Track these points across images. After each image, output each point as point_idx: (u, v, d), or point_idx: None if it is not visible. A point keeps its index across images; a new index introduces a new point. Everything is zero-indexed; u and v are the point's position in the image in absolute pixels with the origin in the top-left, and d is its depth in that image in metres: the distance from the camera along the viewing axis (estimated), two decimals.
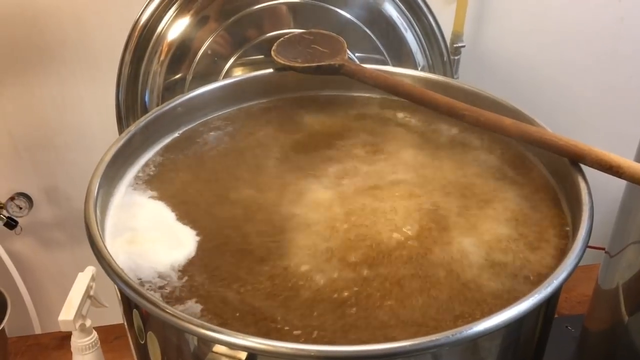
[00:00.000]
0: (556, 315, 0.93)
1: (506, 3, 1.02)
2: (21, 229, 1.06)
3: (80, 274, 0.68)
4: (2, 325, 0.77)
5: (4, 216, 1.02)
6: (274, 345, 0.37)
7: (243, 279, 0.45)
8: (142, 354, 0.48)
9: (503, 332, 0.41)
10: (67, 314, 0.64)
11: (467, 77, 1.02)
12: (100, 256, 0.43)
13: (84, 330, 0.67)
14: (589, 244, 0.87)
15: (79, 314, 0.65)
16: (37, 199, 1.08)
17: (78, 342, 0.67)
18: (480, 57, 1.07)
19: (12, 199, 1.04)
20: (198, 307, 0.43)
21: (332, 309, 0.42)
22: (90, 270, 0.68)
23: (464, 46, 1.01)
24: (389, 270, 0.45)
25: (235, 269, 0.45)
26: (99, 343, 0.69)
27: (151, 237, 0.48)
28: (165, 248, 0.47)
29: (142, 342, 0.46)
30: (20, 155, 1.07)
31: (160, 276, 0.45)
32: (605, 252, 0.75)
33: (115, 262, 0.42)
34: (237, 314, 0.42)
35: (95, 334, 0.68)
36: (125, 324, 0.49)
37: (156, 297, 0.40)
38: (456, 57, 1.02)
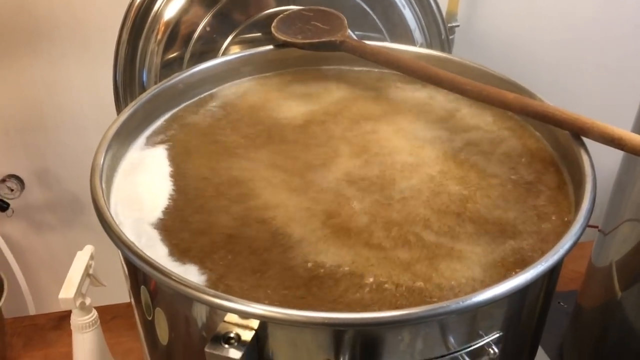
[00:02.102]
0: None
1: None
2: (12, 211, 1.05)
3: (79, 252, 0.67)
4: None
5: None
6: (286, 313, 0.37)
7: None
8: (148, 331, 0.48)
9: (506, 302, 0.41)
10: (67, 292, 0.63)
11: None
12: (109, 228, 0.42)
13: (83, 308, 0.67)
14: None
15: (79, 292, 0.65)
16: (28, 181, 1.07)
17: (78, 320, 0.67)
18: (474, 37, 1.07)
19: (3, 180, 1.03)
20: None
21: None
22: (89, 249, 0.68)
23: (458, 26, 1.01)
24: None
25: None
26: (99, 321, 0.69)
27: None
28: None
29: (150, 319, 0.46)
30: (10, 137, 1.05)
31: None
32: (599, 231, 0.76)
33: (124, 234, 0.42)
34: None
35: (95, 312, 0.68)
36: (132, 300, 0.49)
37: (167, 268, 0.40)
38: (450, 37, 1.02)
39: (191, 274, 0.43)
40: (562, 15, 1.07)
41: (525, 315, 0.45)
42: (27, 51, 0.97)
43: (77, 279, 0.65)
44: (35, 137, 1.06)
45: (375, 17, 0.76)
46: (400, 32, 0.77)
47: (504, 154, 0.54)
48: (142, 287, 0.45)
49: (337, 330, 0.38)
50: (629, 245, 0.68)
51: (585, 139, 0.50)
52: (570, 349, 0.82)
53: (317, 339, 0.39)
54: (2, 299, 0.77)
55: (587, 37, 1.09)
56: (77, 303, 0.65)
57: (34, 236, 1.14)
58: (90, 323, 0.68)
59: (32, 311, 1.02)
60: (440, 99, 0.61)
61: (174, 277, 0.39)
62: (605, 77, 1.13)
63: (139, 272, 0.45)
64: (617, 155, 0.58)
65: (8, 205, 1.03)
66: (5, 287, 0.78)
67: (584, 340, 0.79)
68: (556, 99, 1.01)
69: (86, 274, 0.66)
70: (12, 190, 1.03)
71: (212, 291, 0.38)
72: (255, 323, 0.38)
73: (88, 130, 1.06)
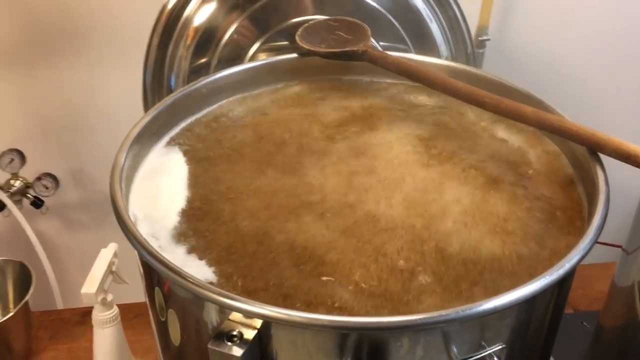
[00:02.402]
0: (572, 311, 0.93)
1: None
2: (47, 208, 1.08)
3: (103, 250, 0.69)
4: (27, 298, 0.79)
5: (31, 195, 1.05)
6: (288, 314, 0.38)
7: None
8: (162, 331, 0.50)
9: (508, 313, 0.41)
10: (89, 287, 0.65)
11: (492, 71, 1.02)
12: (124, 225, 0.44)
13: (105, 304, 0.68)
14: (608, 242, 0.87)
15: (101, 288, 0.66)
16: (63, 180, 1.10)
17: (99, 315, 0.69)
18: (506, 51, 1.07)
19: (39, 179, 1.06)
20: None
21: None
22: (112, 247, 0.70)
23: (488, 39, 1.01)
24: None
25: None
26: (120, 318, 0.71)
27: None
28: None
29: (163, 320, 0.48)
30: (48, 137, 1.09)
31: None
32: (623, 250, 0.75)
33: (138, 231, 0.43)
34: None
35: (116, 308, 0.70)
36: (147, 301, 0.50)
37: (175, 264, 0.41)
38: (481, 50, 1.02)
39: (204, 274, 0.44)
40: (596, 30, 1.05)
41: (531, 328, 0.45)
42: (66, 54, 1.01)
43: (100, 275, 0.66)
44: (71, 138, 1.09)
45: (401, 30, 0.77)
46: (427, 46, 0.78)
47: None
48: (157, 288, 0.47)
49: (339, 334, 0.39)
50: None
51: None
52: None
53: (319, 342, 0.39)
54: (30, 292, 0.79)
55: (623, 53, 1.08)
56: (99, 298, 0.66)
57: (66, 233, 1.17)
58: (111, 319, 0.70)
59: (59, 306, 1.05)
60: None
61: (182, 274, 0.40)
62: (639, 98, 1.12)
63: (153, 273, 0.46)
64: None
65: (43, 202, 1.06)
66: (34, 281, 0.81)
67: None
68: (587, 116, 1.00)
69: (109, 271, 0.68)
70: (47, 188, 1.07)
71: (217, 289, 0.39)
72: (258, 322, 0.39)
73: (122, 133, 1.08)
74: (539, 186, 0.52)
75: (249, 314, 0.39)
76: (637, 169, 0.49)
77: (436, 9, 0.79)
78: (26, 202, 1.05)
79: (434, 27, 0.79)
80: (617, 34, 1.06)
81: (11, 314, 0.77)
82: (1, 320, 0.77)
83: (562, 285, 0.46)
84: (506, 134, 0.59)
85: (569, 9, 1.03)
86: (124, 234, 0.44)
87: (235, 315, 0.40)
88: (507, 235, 0.47)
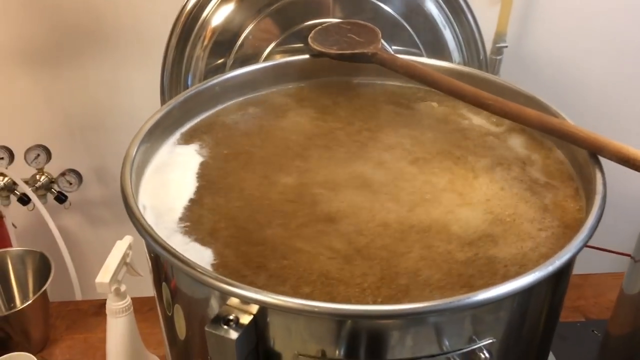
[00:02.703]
0: (584, 319, 0.93)
1: (553, 6, 1.02)
2: (70, 203, 1.11)
3: (118, 242, 0.72)
4: (45, 287, 0.81)
5: (55, 190, 1.08)
6: (282, 300, 0.39)
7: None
8: (169, 325, 0.52)
9: (503, 306, 0.42)
10: (103, 276, 0.67)
11: (509, 78, 1.03)
12: (131, 213, 0.46)
13: (118, 294, 0.71)
14: (619, 251, 0.86)
15: (115, 279, 0.69)
16: (87, 177, 1.13)
17: (113, 305, 0.71)
18: (524, 58, 1.07)
19: (63, 174, 1.09)
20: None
21: None
22: (127, 239, 0.72)
23: (506, 46, 1.01)
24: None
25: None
26: (132, 308, 0.73)
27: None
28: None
29: (170, 315, 0.50)
30: (74, 135, 1.12)
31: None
32: (631, 258, 0.75)
33: (145, 218, 0.45)
34: None
35: (129, 299, 0.72)
36: (156, 297, 0.52)
37: (176, 250, 0.42)
38: (498, 57, 1.02)
39: (205, 261, 0.46)
40: (615, 40, 1.05)
41: (525, 325, 0.46)
42: (93, 55, 1.04)
43: (114, 266, 0.68)
44: (95, 136, 1.13)
45: (415, 36, 0.78)
46: (440, 51, 0.79)
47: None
48: (164, 284, 0.48)
49: (331, 321, 0.40)
50: None
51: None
52: None
53: (311, 328, 0.41)
54: (49, 280, 0.82)
55: None
56: (112, 288, 0.68)
57: (88, 229, 1.21)
58: (124, 308, 0.72)
59: (78, 298, 1.08)
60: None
61: (182, 259, 0.42)
62: None
63: (160, 267, 0.48)
64: None
65: (66, 197, 1.09)
66: (52, 270, 0.83)
67: None
68: (605, 125, 1.00)
69: (123, 262, 0.70)
70: (70, 183, 1.10)
71: (215, 274, 0.41)
72: (254, 308, 0.41)
73: None
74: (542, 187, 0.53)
75: (245, 299, 0.40)
76: None
77: (450, 16, 0.81)
78: (50, 197, 1.09)
79: (448, 34, 0.80)
80: (636, 44, 1.05)
81: (29, 302, 0.79)
82: (20, 307, 0.79)
83: (557, 284, 0.47)
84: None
85: (588, 17, 1.03)
86: (131, 222, 0.46)
87: (233, 301, 0.41)
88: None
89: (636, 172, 0.49)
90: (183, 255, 0.42)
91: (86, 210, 1.18)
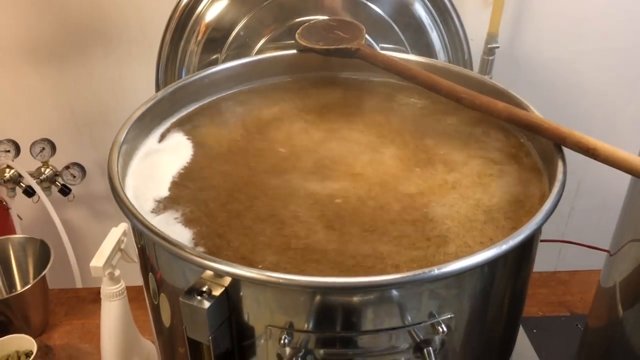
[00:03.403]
0: (569, 314, 0.95)
1: (545, 8, 1.04)
2: (74, 196, 1.15)
3: (113, 228, 0.75)
4: (44, 272, 0.85)
5: (59, 183, 1.12)
6: (248, 271, 0.42)
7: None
8: (156, 313, 0.55)
9: (449, 284, 0.44)
10: (97, 261, 0.70)
11: (502, 79, 1.05)
12: (116, 194, 0.49)
13: (112, 278, 0.74)
14: (600, 247, 0.88)
15: (109, 263, 0.71)
16: (90, 171, 1.16)
17: (107, 289, 0.74)
18: (517, 59, 1.09)
19: (67, 167, 1.12)
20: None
21: None
22: (122, 226, 0.75)
23: (498, 47, 1.03)
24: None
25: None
26: (126, 293, 0.76)
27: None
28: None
29: (156, 303, 0.53)
30: (79, 130, 1.16)
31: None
32: (608, 253, 0.77)
33: (127, 196, 0.48)
34: None
35: (123, 283, 0.75)
36: (144, 286, 0.55)
37: (155, 227, 0.45)
38: (490, 58, 1.05)
39: (183, 238, 0.49)
40: (607, 41, 1.07)
41: (483, 305, 0.48)
42: (98, 53, 1.07)
43: (108, 251, 0.71)
44: (100, 132, 1.16)
45: (403, 37, 0.81)
46: (426, 52, 0.82)
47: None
48: (150, 274, 0.52)
49: (295, 293, 0.43)
50: (632, 265, 0.68)
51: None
52: None
53: (277, 299, 0.44)
54: (48, 267, 0.85)
55: (633, 64, 1.09)
56: (106, 272, 0.71)
57: (90, 221, 1.24)
58: (118, 293, 0.75)
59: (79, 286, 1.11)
60: None
61: (160, 234, 0.45)
62: None
63: (145, 249, 0.51)
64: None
65: (70, 190, 1.13)
66: (52, 256, 0.86)
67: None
68: (597, 125, 1.02)
69: (117, 248, 0.73)
70: (74, 177, 1.13)
71: (189, 247, 0.43)
72: (226, 281, 0.43)
73: None
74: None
75: (216, 272, 0.43)
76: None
77: (437, 19, 0.83)
78: (55, 190, 1.12)
79: (434, 36, 0.82)
80: (626, 45, 1.07)
81: (29, 286, 0.83)
82: (20, 291, 0.83)
83: (517, 267, 0.49)
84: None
85: (579, 19, 1.05)
86: (116, 201, 0.49)
87: (207, 274, 0.44)
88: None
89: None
90: (162, 231, 0.45)
91: (89, 203, 1.22)
